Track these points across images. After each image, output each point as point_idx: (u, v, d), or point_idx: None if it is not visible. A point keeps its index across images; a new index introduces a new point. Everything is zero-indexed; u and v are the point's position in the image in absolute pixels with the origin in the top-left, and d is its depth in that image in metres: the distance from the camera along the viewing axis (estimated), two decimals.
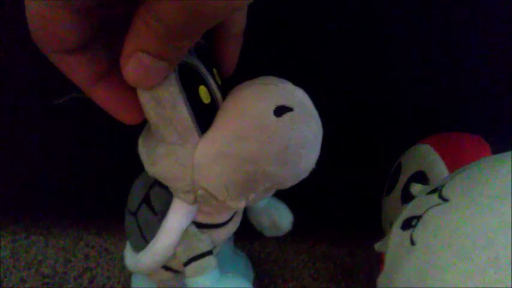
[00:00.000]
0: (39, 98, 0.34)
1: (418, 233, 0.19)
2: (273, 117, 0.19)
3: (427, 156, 0.29)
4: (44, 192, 0.42)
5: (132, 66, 0.16)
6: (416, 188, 0.24)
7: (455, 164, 0.28)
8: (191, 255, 0.25)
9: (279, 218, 0.31)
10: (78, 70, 0.18)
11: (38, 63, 0.32)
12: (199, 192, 0.21)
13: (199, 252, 0.25)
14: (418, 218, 0.20)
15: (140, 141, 0.22)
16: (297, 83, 0.21)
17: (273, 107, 0.19)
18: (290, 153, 0.19)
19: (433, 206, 0.19)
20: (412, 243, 0.19)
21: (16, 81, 0.34)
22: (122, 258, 0.29)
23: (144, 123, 0.21)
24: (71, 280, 0.40)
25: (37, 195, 0.42)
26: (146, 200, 0.26)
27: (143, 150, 0.22)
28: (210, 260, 0.25)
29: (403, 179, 0.31)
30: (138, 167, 0.23)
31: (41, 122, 0.36)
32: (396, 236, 0.21)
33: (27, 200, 0.43)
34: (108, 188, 0.39)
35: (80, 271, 0.41)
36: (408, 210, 0.21)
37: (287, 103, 0.19)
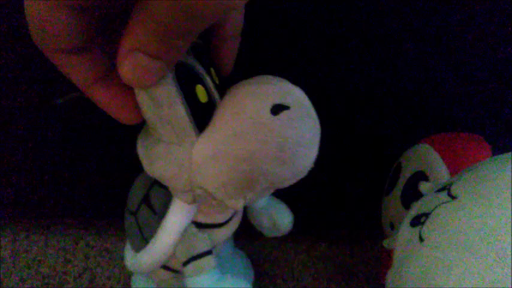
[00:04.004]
0: (39, 98, 0.34)
1: (427, 229, 0.19)
2: (269, 116, 0.19)
3: (427, 156, 0.29)
4: (44, 192, 0.42)
5: (129, 66, 0.16)
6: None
7: (455, 164, 0.28)
8: (190, 255, 0.25)
9: (279, 219, 0.30)
10: (77, 70, 0.18)
11: (38, 63, 0.32)
12: (198, 191, 0.21)
13: (198, 252, 0.25)
14: (427, 215, 0.20)
15: (138, 141, 0.22)
16: (296, 82, 0.21)
17: (269, 106, 0.19)
18: (287, 152, 0.19)
19: (442, 203, 0.19)
20: (421, 239, 0.19)
21: (16, 81, 0.34)
22: (122, 258, 0.29)
23: (143, 123, 0.21)
24: (71, 280, 0.40)
25: (37, 195, 0.42)
26: (146, 200, 0.26)
27: (141, 149, 0.22)
28: (209, 260, 0.25)
29: (403, 179, 0.31)
30: (138, 167, 0.23)
31: (41, 122, 0.36)
32: (405, 233, 0.21)
33: (27, 200, 0.43)
34: (108, 188, 0.39)
35: (80, 271, 0.41)
36: (417, 208, 0.22)
37: (284, 101, 0.19)
